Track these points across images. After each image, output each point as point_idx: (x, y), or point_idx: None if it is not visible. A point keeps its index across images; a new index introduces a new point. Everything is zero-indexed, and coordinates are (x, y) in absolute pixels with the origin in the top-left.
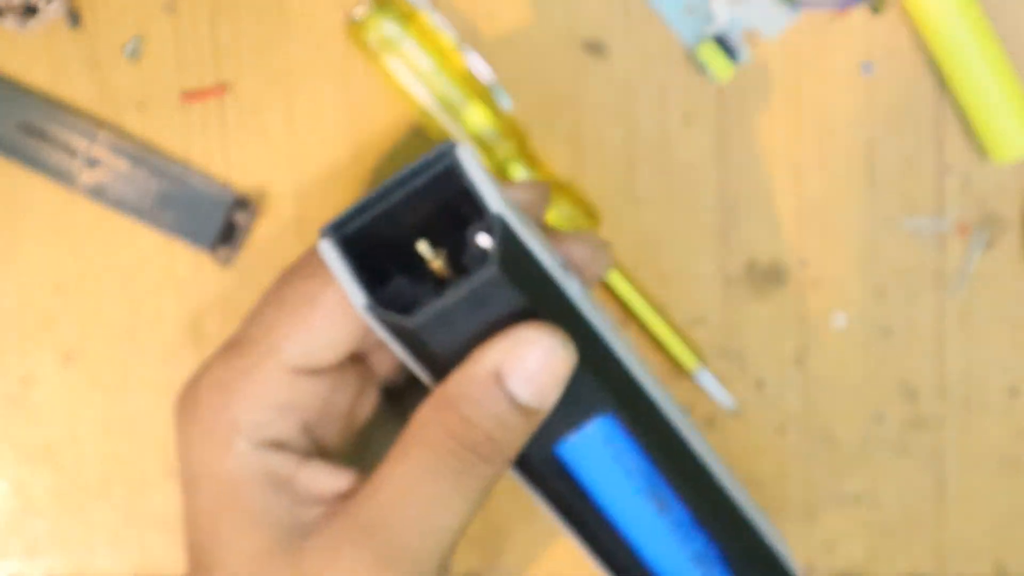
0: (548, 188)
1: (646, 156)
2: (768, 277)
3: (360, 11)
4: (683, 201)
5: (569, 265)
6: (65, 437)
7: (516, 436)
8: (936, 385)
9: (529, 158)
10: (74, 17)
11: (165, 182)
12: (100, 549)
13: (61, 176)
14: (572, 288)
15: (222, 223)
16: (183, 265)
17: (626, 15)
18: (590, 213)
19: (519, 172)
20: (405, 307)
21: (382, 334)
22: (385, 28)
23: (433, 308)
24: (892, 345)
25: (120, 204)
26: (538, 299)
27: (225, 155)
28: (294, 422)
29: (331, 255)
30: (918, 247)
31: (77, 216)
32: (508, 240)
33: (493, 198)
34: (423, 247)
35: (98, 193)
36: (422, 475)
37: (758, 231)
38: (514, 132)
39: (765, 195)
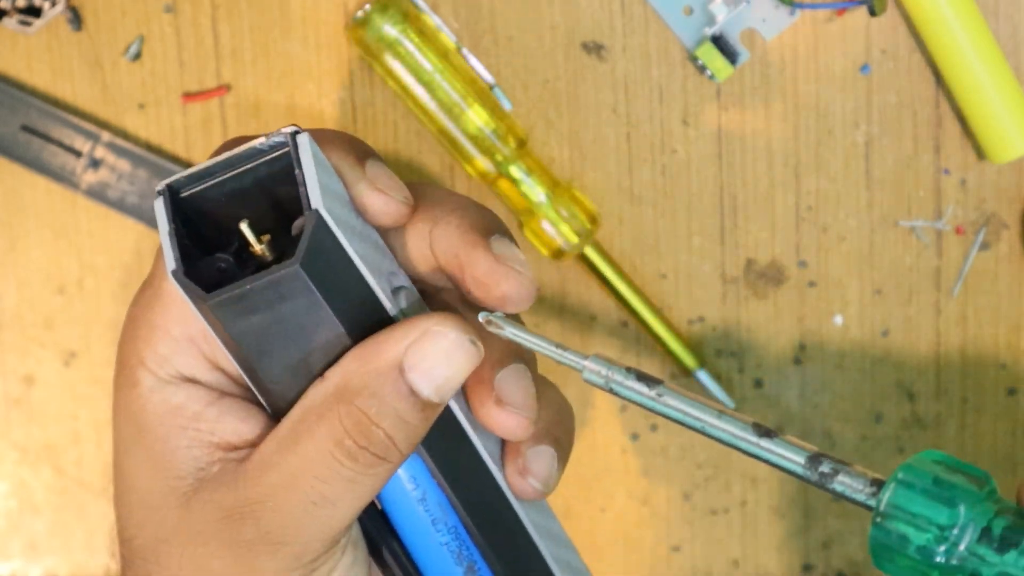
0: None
1: (646, 156)
2: (767, 277)
3: (360, 11)
4: (683, 201)
5: (410, 286)
6: (65, 437)
7: (414, 432)
8: (934, 385)
9: (529, 158)
10: (76, 19)
11: None
12: (100, 549)
13: (63, 177)
14: (396, 310)
15: None
16: None
17: (626, 15)
18: (590, 213)
19: (519, 173)
20: (221, 286)
21: (193, 309)
22: (385, 28)
23: (231, 288)
24: (890, 345)
25: (121, 204)
26: (348, 311)
27: None
28: (199, 356)
29: (160, 212)
30: (916, 247)
31: (79, 216)
32: (320, 239)
33: (315, 192)
34: (245, 228)
35: (99, 194)
36: (314, 472)
37: (757, 231)
38: (514, 132)
39: (764, 195)
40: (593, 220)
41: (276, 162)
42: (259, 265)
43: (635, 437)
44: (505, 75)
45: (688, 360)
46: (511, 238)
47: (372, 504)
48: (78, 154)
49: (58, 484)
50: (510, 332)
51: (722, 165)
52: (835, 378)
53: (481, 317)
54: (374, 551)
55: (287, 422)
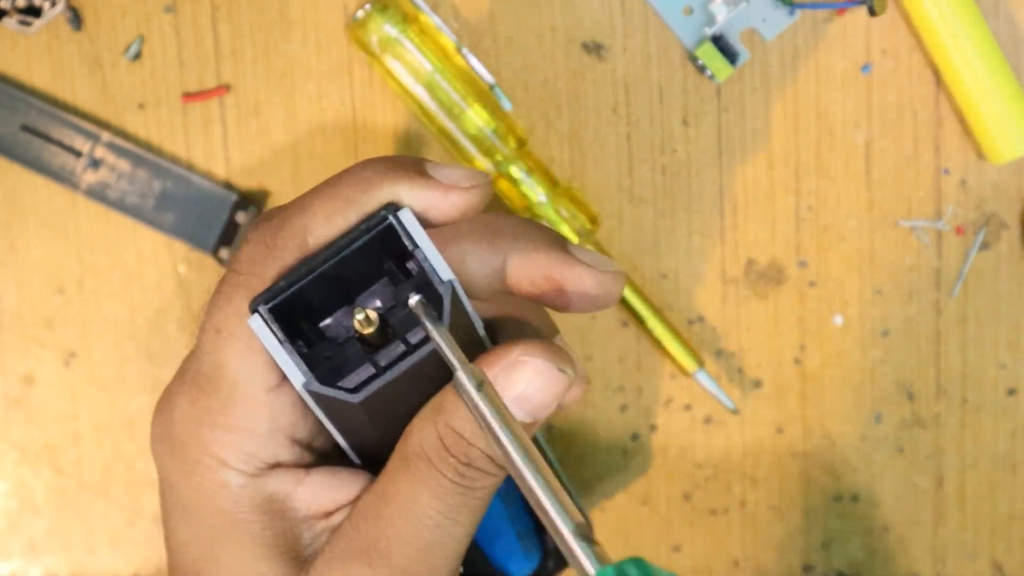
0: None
1: (646, 156)
2: (767, 277)
3: (360, 11)
4: (683, 201)
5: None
6: (65, 437)
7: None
8: (934, 385)
9: (529, 158)
10: (76, 18)
11: (166, 183)
12: (100, 549)
13: (63, 177)
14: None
15: (224, 224)
16: (184, 266)
17: (626, 15)
18: (590, 213)
19: (519, 172)
20: (331, 371)
21: (311, 403)
22: (385, 28)
23: (378, 384)
24: (890, 345)
25: (121, 205)
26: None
27: (226, 156)
28: (280, 441)
29: (263, 331)
30: (916, 247)
31: (79, 217)
32: (456, 309)
33: (442, 264)
34: (361, 316)
35: (99, 194)
36: (427, 493)
37: (757, 231)
38: (514, 132)
39: (764, 195)
40: (593, 220)
41: (372, 241)
42: (361, 339)
43: (635, 437)
44: (505, 75)
45: (688, 360)
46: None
47: None
48: (78, 154)
49: (58, 484)
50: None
51: (722, 165)
52: (835, 378)
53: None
54: None
55: (397, 450)
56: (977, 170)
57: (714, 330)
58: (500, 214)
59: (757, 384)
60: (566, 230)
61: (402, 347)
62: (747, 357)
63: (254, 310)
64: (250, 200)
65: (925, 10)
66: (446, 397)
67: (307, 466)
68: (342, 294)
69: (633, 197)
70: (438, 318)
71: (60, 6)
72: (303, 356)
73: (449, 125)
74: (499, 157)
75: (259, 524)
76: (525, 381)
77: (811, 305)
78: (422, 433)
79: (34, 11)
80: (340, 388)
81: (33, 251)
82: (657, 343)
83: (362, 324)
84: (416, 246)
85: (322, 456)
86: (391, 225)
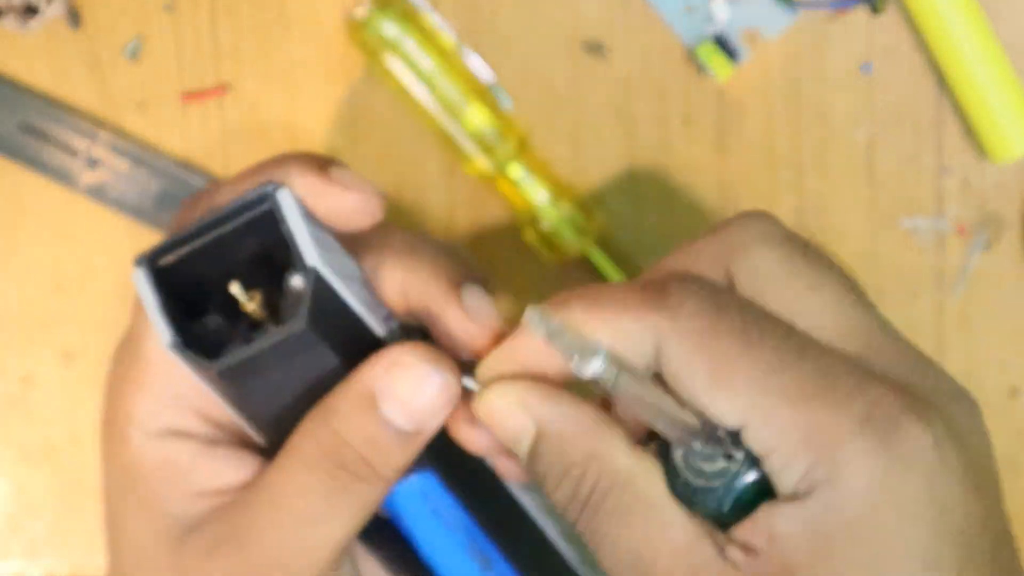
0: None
1: (646, 156)
2: None
3: (360, 11)
4: (683, 201)
5: (394, 316)
6: (65, 437)
7: (393, 457)
8: None
9: (529, 158)
10: (74, 17)
11: (165, 182)
12: (100, 549)
13: (62, 176)
14: (379, 326)
15: None
16: None
17: (626, 15)
18: (590, 213)
19: (519, 172)
20: (216, 348)
21: (192, 375)
22: (385, 28)
23: (237, 355)
24: None
25: (120, 204)
26: (351, 354)
27: (225, 155)
28: (187, 410)
29: (142, 286)
30: (917, 247)
31: (77, 216)
32: (322, 295)
33: (309, 249)
34: (235, 288)
35: (98, 193)
36: (295, 490)
37: None
38: (514, 132)
39: (765, 195)
40: (593, 220)
41: (257, 219)
42: (252, 322)
43: None
44: (505, 75)
45: None
46: (482, 286)
47: (381, 518)
48: (77, 154)
49: (58, 484)
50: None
51: (722, 165)
52: None
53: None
54: (383, 554)
55: (283, 447)
56: (979, 170)
57: None
58: (425, 238)
59: None
60: (566, 230)
61: (273, 330)
62: None
63: (137, 264)
64: None
65: (927, 9)
66: (332, 398)
67: (216, 444)
68: (237, 275)
69: (633, 197)
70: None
71: (59, 6)
72: (189, 328)
73: (449, 125)
74: (499, 157)
75: (152, 485)
76: (406, 384)
77: None
78: (303, 428)
79: (33, 10)
80: (200, 356)
81: (32, 251)
82: None
83: (243, 299)
84: (286, 224)
85: (245, 443)
86: (271, 207)
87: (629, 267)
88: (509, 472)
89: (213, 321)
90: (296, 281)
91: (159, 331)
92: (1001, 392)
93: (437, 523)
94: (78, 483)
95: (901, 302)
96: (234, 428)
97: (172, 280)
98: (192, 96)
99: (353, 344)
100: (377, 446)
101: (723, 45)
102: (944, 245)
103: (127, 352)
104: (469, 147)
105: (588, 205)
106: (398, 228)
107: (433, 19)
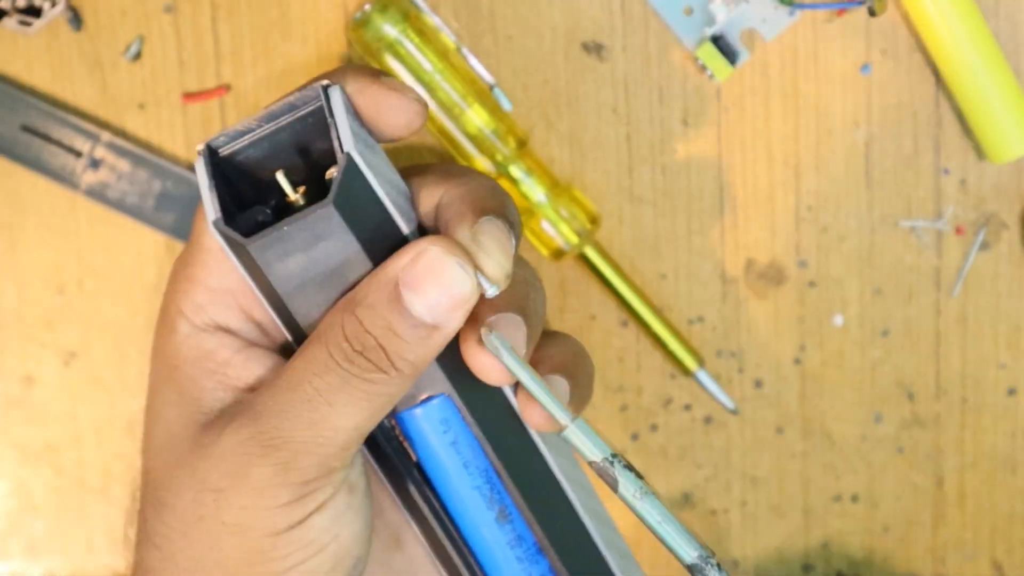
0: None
1: (646, 156)
2: (767, 277)
3: (360, 11)
4: (683, 201)
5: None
6: (65, 437)
7: (412, 349)
8: (934, 385)
9: (529, 158)
10: (76, 19)
11: (166, 183)
12: (100, 549)
13: (63, 177)
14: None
15: None
16: None
17: (626, 16)
18: (590, 213)
19: (519, 172)
20: (256, 227)
21: (232, 258)
22: (385, 28)
23: (267, 232)
24: (890, 345)
25: (121, 205)
26: (377, 247)
27: None
28: (234, 307)
29: (200, 169)
30: (916, 247)
31: (79, 217)
32: (351, 179)
33: (347, 137)
34: (281, 177)
35: (99, 194)
36: (313, 369)
37: (757, 231)
38: (514, 132)
39: (764, 195)
40: (593, 220)
41: (310, 116)
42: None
43: (635, 437)
44: (505, 75)
45: (688, 360)
46: (509, 223)
47: (403, 448)
48: (78, 154)
49: (58, 484)
50: (506, 359)
51: (722, 165)
52: (835, 378)
53: (482, 332)
54: (402, 494)
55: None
56: (977, 170)
57: (714, 330)
58: (476, 173)
59: (757, 384)
60: (566, 230)
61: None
62: (747, 357)
63: (199, 151)
64: None
65: (925, 10)
66: (359, 288)
67: (256, 345)
68: (287, 169)
69: (633, 197)
70: (519, 358)
71: (60, 6)
72: (237, 217)
73: (449, 125)
74: (499, 157)
75: (189, 374)
76: (426, 270)
77: (811, 305)
78: (330, 317)
79: (34, 11)
80: (235, 230)
81: (33, 251)
82: (657, 343)
83: (286, 187)
84: (332, 115)
85: (284, 351)
86: (323, 101)
87: (628, 267)
88: (532, 417)
89: (261, 213)
90: (334, 172)
91: (207, 210)
92: (999, 392)
93: (456, 456)
94: (78, 483)
95: (899, 302)
96: (275, 335)
97: (231, 172)
98: (192, 96)
99: (379, 237)
100: (396, 336)
101: (722, 46)
102: (942, 245)
103: (187, 250)
104: (469, 147)
105: (588, 205)
106: (455, 162)
107: (433, 19)
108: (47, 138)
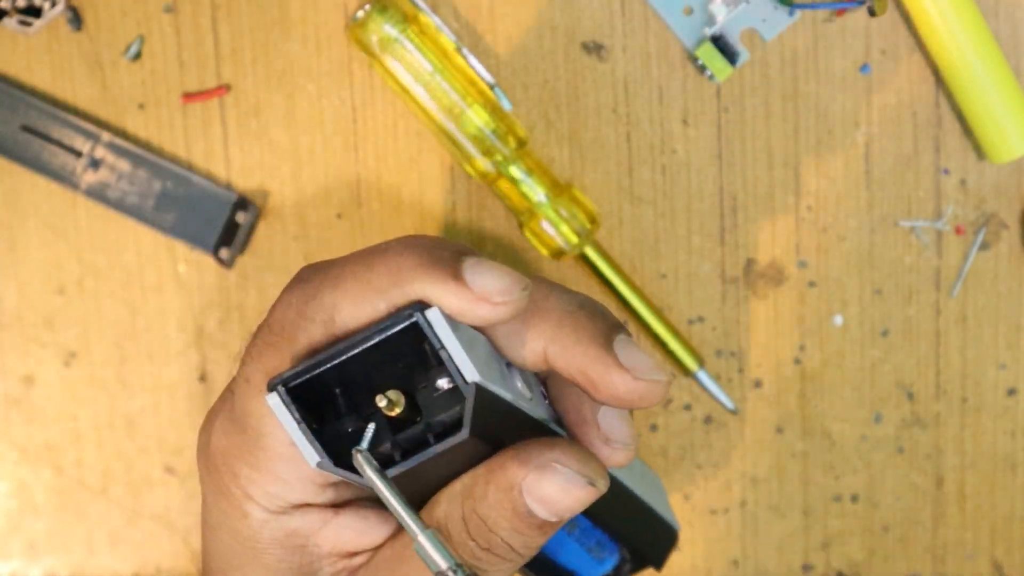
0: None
1: (646, 156)
2: (767, 277)
3: (360, 11)
4: (683, 201)
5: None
6: (66, 437)
7: (532, 542)
8: (934, 385)
9: (529, 158)
10: (76, 19)
11: (166, 183)
12: (100, 549)
13: (63, 177)
14: (524, 401)
15: (224, 224)
16: (184, 266)
17: (626, 15)
18: (590, 213)
19: (518, 172)
20: (347, 442)
21: (337, 471)
22: (385, 28)
23: (398, 470)
24: (890, 345)
25: (121, 205)
26: (501, 439)
27: (226, 156)
28: (308, 486)
29: (282, 412)
30: (916, 247)
31: (79, 217)
32: (481, 403)
33: (467, 365)
34: (383, 403)
35: (99, 194)
36: None
37: (757, 231)
38: (514, 132)
39: (764, 195)
40: (593, 220)
41: (396, 335)
42: (391, 421)
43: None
44: (505, 75)
45: (688, 360)
46: (627, 333)
47: None
48: (78, 154)
49: (58, 484)
50: (370, 477)
51: (722, 165)
52: (835, 378)
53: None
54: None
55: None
56: (977, 170)
57: (714, 330)
58: (551, 290)
59: (757, 384)
60: (566, 230)
61: (425, 431)
62: (747, 357)
63: (272, 388)
64: (250, 200)
65: (925, 10)
66: (477, 481)
67: (339, 505)
68: (372, 372)
69: (633, 197)
70: (384, 472)
71: (60, 6)
72: (323, 431)
73: (449, 125)
74: (499, 157)
75: (276, 555)
76: (554, 487)
77: (811, 305)
78: (449, 508)
79: (34, 11)
80: (349, 471)
81: (33, 251)
82: (657, 343)
83: (387, 408)
84: (442, 346)
85: (370, 500)
86: (418, 323)
87: (628, 267)
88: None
89: (349, 422)
90: (443, 383)
91: (305, 453)
92: (999, 392)
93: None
94: (78, 483)
95: (899, 302)
96: (356, 487)
97: (303, 394)
98: (192, 96)
99: (516, 434)
100: (522, 535)
101: (722, 46)
102: (942, 245)
103: (234, 424)
104: (469, 147)
105: (588, 205)
106: (537, 279)
107: (433, 19)
108: (47, 138)
